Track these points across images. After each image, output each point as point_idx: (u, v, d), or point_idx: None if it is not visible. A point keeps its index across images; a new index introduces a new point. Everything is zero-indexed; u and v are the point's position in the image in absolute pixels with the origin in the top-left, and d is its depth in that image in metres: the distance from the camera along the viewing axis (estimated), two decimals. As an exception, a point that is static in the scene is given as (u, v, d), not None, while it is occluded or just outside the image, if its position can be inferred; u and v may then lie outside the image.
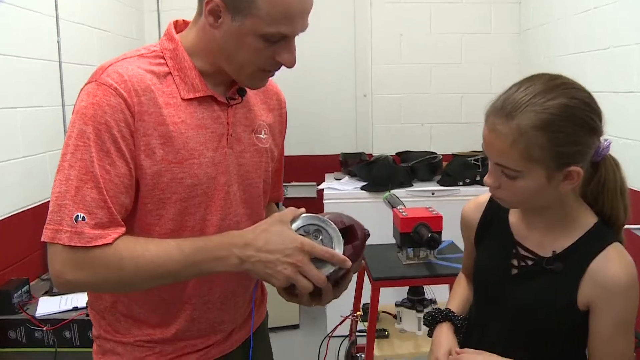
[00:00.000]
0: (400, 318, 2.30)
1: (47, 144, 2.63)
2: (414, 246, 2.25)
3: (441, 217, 2.21)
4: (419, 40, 4.04)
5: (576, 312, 1.14)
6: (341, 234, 1.09)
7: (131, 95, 1.06)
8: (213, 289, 1.22)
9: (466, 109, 4.10)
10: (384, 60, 4.06)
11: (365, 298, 2.42)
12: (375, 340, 2.19)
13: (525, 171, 1.08)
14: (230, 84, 1.20)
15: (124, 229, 1.06)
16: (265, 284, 1.41)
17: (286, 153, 1.46)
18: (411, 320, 2.27)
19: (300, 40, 1.13)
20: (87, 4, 3.10)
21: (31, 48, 2.54)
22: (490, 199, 1.32)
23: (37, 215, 2.46)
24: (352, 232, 1.13)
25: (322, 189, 3.50)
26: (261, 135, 1.26)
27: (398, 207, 2.35)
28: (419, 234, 2.16)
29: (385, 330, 2.28)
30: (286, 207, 1.14)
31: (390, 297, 2.38)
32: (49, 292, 2.40)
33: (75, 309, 2.22)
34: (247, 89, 1.22)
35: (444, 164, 3.66)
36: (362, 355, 2.24)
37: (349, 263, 1.06)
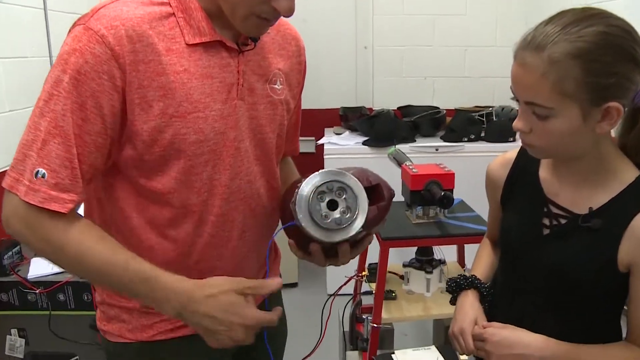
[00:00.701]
0: (408, 279, 2.26)
1: (33, 98, 2.46)
2: (424, 205, 2.17)
3: (453, 174, 2.13)
4: (422, -10, 3.92)
5: (616, 273, 1.07)
6: (366, 193, 1.00)
7: (122, 43, 0.95)
8: (223, 255, 1.14)
9: (470, 62, 4.03)
10: (386, 11, 3.95)
11: (370, 258, 2.36)
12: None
13: (558, 108, 0.99)
14: None
15: (83, 196, 1.00)
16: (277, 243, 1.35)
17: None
18: (419, 281, 2.23)
19: (299, -12, 0.98)
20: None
21: (13, -8, 2.38)
22: (519, 155, 1.24)
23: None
24: (377, 192, 1.04)
25: (322, 144, 3.44)
26: (276, 86, 1.16)
27: (407, 164, 2.25)
28: (430, 192, 2.08)
29: (392, 292, 2.22)
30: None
31: (395, 257, 2.32)
32: (41, 253, 2.31)
33: (70, 270, 2.14)
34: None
35: (448, 119, 3.59)
36: (369, 317, 2.18)
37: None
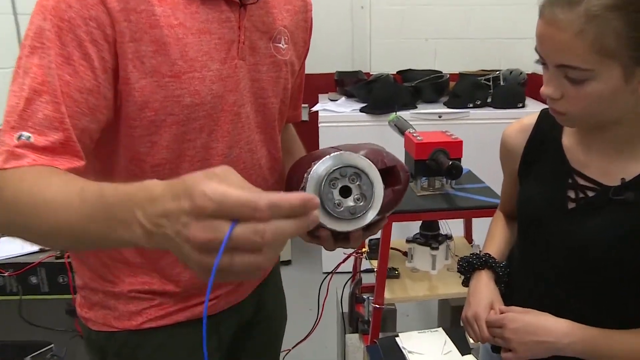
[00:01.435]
0: (412, 255, 2.14)
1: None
2: (430, 175, 2.04)
3: (461, 142, 1.98)
4: (424, -55, 3.83)
5: None
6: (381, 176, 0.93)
7: None
8: None
9: (474, 24, 3.93)
10: (384, -32, 3.83)
11: (371, 233, 2.22)
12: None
13: (597, 69, 0.92)
14: None
15: (82, 162, 0.86)
16: None
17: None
18: (424, 258, 2.11)
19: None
20: None
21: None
22: (538, 120, 1.17)
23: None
24: (393, 174, 0.98)
25: (316, 111, 3.36)
26: (280, 45, 1.09)
27: (410, 131, 2.09)
28: (437, 162, 1.93)
29: (395, 270, 2.10)
30: None
31: (398, 232, 2.18)
32: (11, 232, 2.17)
33: (43, 250, 2.00)
34: None
35: (451, 84, 3.51)
36: (370, 297, 2.07)
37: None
